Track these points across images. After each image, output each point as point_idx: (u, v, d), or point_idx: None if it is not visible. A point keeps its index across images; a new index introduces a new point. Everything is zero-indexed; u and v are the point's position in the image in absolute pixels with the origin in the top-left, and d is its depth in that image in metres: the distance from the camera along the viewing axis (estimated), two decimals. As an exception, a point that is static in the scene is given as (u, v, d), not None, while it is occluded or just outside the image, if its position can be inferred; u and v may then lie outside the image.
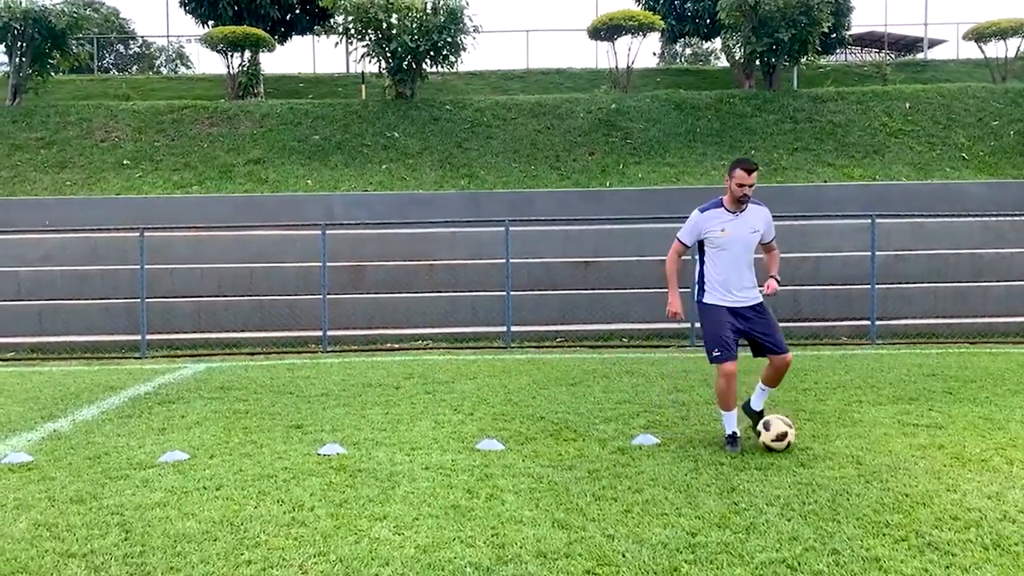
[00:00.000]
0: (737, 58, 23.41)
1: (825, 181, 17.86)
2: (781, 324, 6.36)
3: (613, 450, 6.14)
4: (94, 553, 4.26)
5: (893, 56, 31.82)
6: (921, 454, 5.98)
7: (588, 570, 3.98)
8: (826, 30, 21.71)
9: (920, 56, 31.33)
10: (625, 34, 22.24)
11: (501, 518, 4.69)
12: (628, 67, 22.63)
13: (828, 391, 8.55)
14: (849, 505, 4.87)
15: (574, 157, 18.93)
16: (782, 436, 6.07)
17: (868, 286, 13.33)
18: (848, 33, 27.12)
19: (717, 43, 30.66)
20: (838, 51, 29.23)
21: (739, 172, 6.11)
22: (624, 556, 4.13)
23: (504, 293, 13.23)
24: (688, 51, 43.28)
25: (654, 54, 27.33)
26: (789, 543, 4.29)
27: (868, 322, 13.17)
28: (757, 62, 21.92)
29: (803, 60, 22.84)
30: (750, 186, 6.14)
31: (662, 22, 22.62)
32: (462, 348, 12.82)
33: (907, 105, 20.54)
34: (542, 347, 12.85)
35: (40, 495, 5.28)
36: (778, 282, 6.41)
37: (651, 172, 18.31)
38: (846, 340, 13.12)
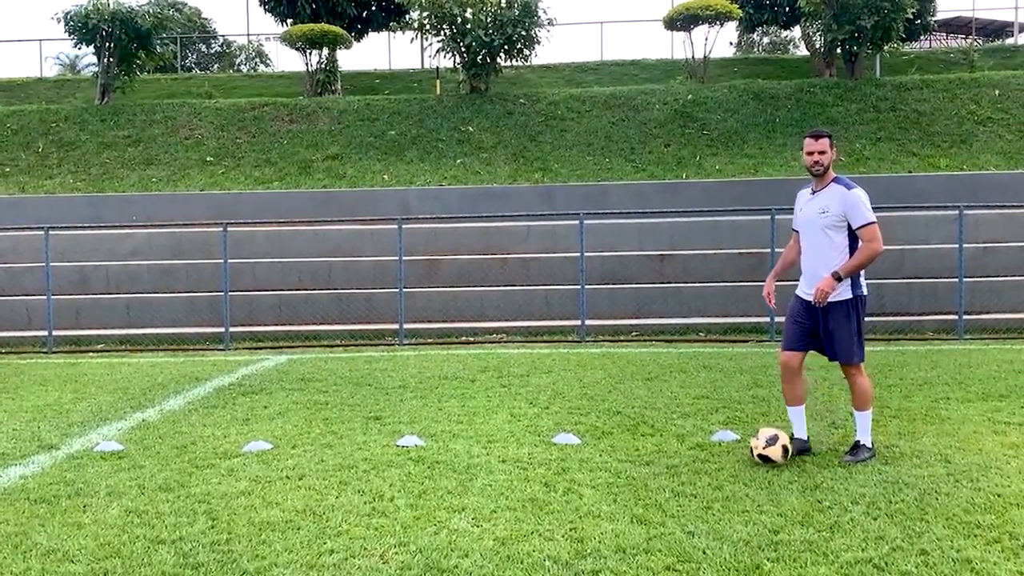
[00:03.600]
0: (817, 46, 22.89)
1: (910, 171, 17.34)
2: (865, 318, 5.84)
3: (692, 446, 6.07)
4: (182, 540, 4.38)
5: (981, 42, 30.71)
6: (1014, 453, 5.77)
7: (668, 566, 3.94)
8: (910, 16, 21.03)
9: (1010, 41, 30.18)
10: (702, 24, 21.91)
11: (579, 512, 4.68)
12: (705, 57, 22.31)
13: (914, 387, 8.32)
14: (938, 505, 4.72)
15: (649, 149, 18.76)
16: (774, 438, 5.53)
17: (955, 279, 12.92)
18: (933, 19, 26.25)
19: (796, 31, 30.07)
20: (923, 38, 28.33)
21: (806, 140, 5.69)
22: (704, 553, 4.08)
23: (578, 286, 13.19)
24: (766, 40, 42.42)
25: (731, 44, 26.96)
26: (875, 542, 4.18)
27: (955, 316, 12.77)
28: (838, 50, 21.38)
29: (886, 47, 22.18)
30: (820, 152, 5.61)
31: (740, 11, 22.22)
32: (536, 341, 12.83)
33: (996, 92, 19.80)
34: (617, 341, 12.78)
35: (130, 483, 5.45)
36: (837, 277, 5.50)
37: (728, 164, 18.03)
38: (932, 335, 12.73)
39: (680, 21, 22.13)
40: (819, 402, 7.60)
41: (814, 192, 5.80)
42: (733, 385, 8.58)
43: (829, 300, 5.57)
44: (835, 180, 5.73)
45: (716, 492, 5.00)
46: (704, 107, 20.01)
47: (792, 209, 6.17)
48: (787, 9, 25.51)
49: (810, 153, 5.67)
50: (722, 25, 22.19)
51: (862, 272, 5.66)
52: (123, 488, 5.33)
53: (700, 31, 22.38)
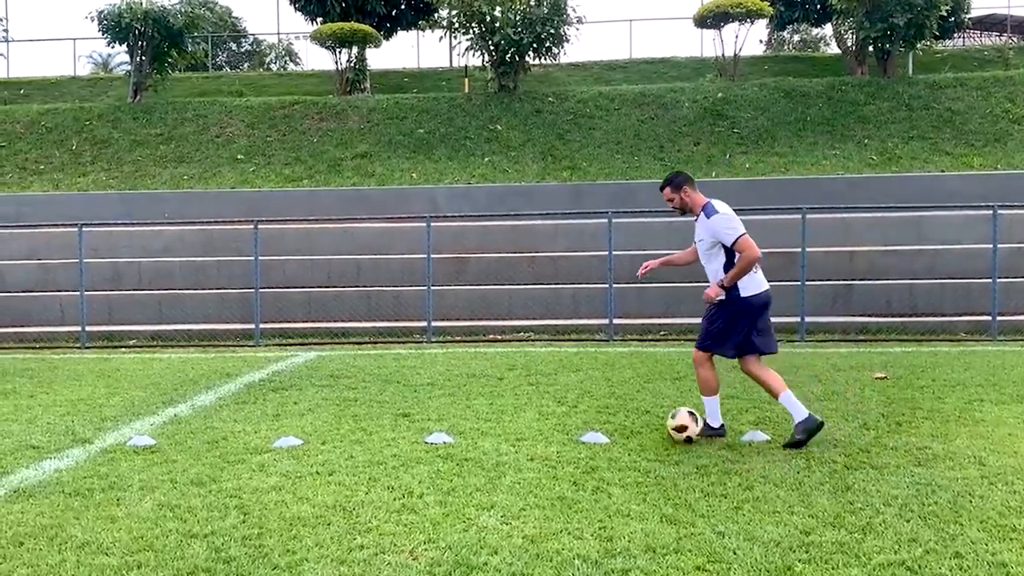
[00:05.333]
0: (849, 44, 22.68)
1: (943, 171, 17.14)
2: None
3: (721, 446, 6.04)
4: (214, 534, 4.42)
5: (1016, 39, 30.25)
6: (1050, 457, 5.68)
7: (698, 566, 3.92)
8: (944, 13, 20.77)
9: (1047, 38, 29.70)
10: (732, 21, 21.79)
11: (608, 511, 4.67)
12: (735, 55, 22.18)
13: (947, 389, 8.22)
14: (972, 507, 4.67)
15: (679, 147, 18.68)
16: (682, 428, 6.07)
17: (989, 280, 12.75)
18: (967, 16, 25.86)
19: (827, 29, 29.76)
20: (956, 35, 27.94)
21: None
22: (735, 553, 4.06)
23: (606, 285, 13.16)
24: (796, 38, 42.08)
25: (761, 41, 26.75)
26: (908, 545, 4.14)
27: (989, 317, 12.60)
28: (870, 48, 21.18)
29: (919, 45, 21.93)
30: (668, 200, 6.38)
31: (770, 8, 22.07)
32: (564, 340, 12.82)
33: (1033, 90, 19.52)
34: (645, 340, 12.74)
35: (163, 477, 5.51)
36: (723, 287, 6.06)
37: (759, 162, 17.91)
38: (965, 336, 12.58)
39: (710, 19, 22.01)
40: (849, 403, 7.54)
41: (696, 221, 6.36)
42: (763, 385, 8.51)
43: (715, 300, 6.17)
44: (703, 209, 6.24)
45: (746, 492, 4.97)
46: (734, 105, 19.90)
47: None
48: (818, 7, 25.29)
49: (668, 200, 6.40)
50: (753, 23, 22.05)
51: (752, 277, 6.13)
52: (156, 482, 5.39)
53: (730, 29, 22.29)
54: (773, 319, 13.59)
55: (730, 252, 6.07)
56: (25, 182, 18.81)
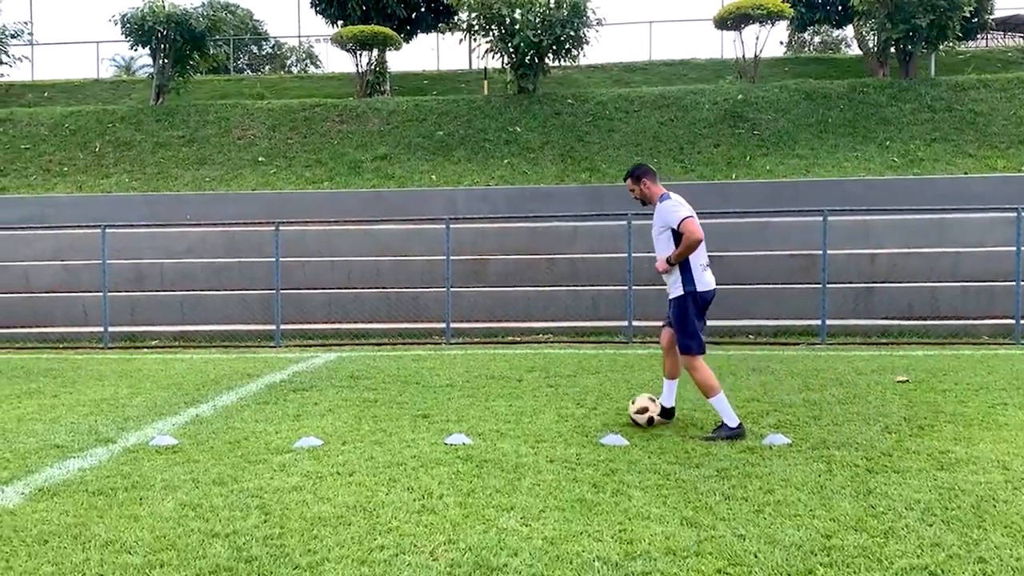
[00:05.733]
0: (871, 46, 22.54)
1: (966, 173, 17.00)
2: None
3: (742, 449, 6.01)
4: (236, 534, 4.45)
5: (1041, 40, 29.95)
6: (1076, 462, 5.62)
7: (719, 569, 3.91)
8: (967, 14, 20.59)
9: (1072, 39, 29.39)
10: (753, 23, 21.70)
11: (628, 514, 4.66)
12: (755, 57, 22.09)
13: (970, 392, 8.14)
14: (996, 512, 4.63)
15: (698, 149, 18.62)
16: (643, 410, 6.61)
17: (1012, 283, 12.63)
18: (991, 17, 25.65)
19: (848, 31, 29.62)
20: (979, 36, 27.70)
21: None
22: (756, 556, 4.04)
23: (626, 287, 13.14)
24: (817, 39, 41.85)
25: (781, 43, 26.59)
26: (931, 549, 4.11)
27: (1012, 321, 12.48)
28: (892, 49, 21.04)
29: (942, 46, 21.76)
30: (630, 190, 6.77)
31: (791, 10, 21.97)
32: (583, 342, 12.81)
33: (1058, 91, 19.33)
34: (665, 342, 12.68)
35: (185, 476, 5.55)
36: (668, 261, 6.50)
37: (779, 164, 17.83)
38: (988, 339, 12.46)
39: (731, 20, 21.93)
40: (871, 407, 7.49)
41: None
42: (784, 388, 8.49)
43: (669, 296, 6.60)
44: (659, 199, 6.62)
45: (767, 496, 4.95)
46: (754, 107, 19.82)
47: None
48: (839, 8, 25.16)
49: (631, 190, 6.77)
50: (773, 24, 21.95)
51: (696, 270, 6.46)
52: (178, 482, 5.43)
53: (751, 30, 22.18)
54: (794, 321, 13.66)
55: (679, 236, 6.44)
56: (49, 184, 19.00)
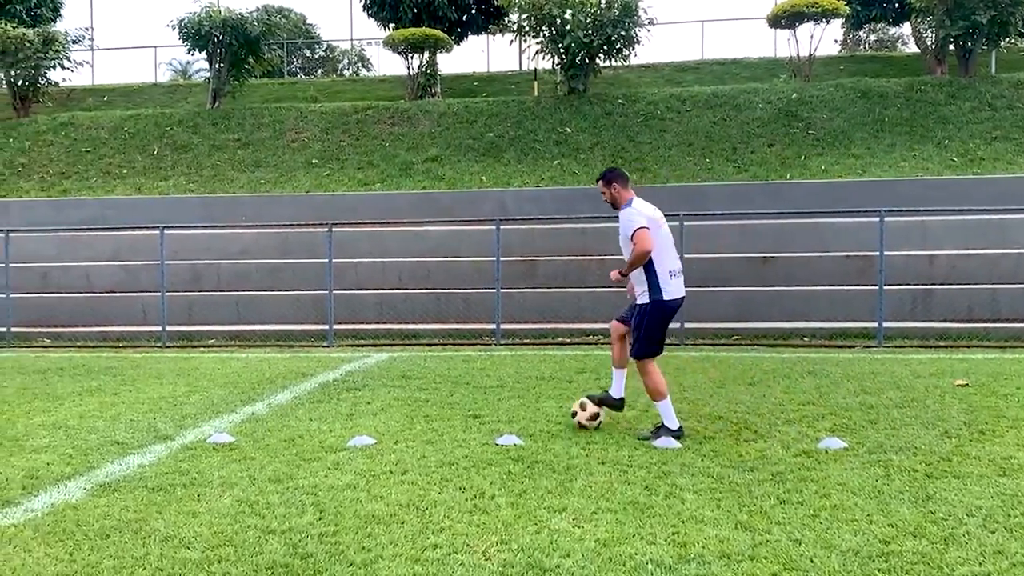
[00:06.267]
0: (929, 43, 22.06)
1: (1028, 172, 16.56)
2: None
3: (797, 453, 5.93)
4: (292, 531, 4.51)
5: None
6: None
7: (774, 574, 3.86)
8: (1031, 9, 20.07)
9: None
10: (807, 21, 21.39)
11: (681, 517, 4.63)
12: (810, 55, 21.77)
13: (1034, 398, 7.94)
14: (1062, 521, 4.50)
15: (752, 149, 18.42)
16: (595, 416, 6.67)
17: (1079, 285, 12.28)
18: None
19: (905, 28, 29.05)
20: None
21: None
22: (812, 561, 3.99)
23: (678, 289, 13.01)
24: (873, 37, 41.15)
25: (836, 41, 26.12)
26: (993, 557, 4.02)
27: (1078, 324, 12.13)
28: (951, 47, 20.58)
29: (1003, 43, 21.22)
30: (602, 193, 6.72)
31: (847, 8, 21.61)
32: (635, 344, 12.71)
33: (1126, 87, 18.75)
34: (717, 345, 12.58)
35: (242, 474, 5.64)
36: (621, 274, 6.59)
37: (834, 164, 17.55)
38: (1052, 343, 12.13)
39: (785, 19, 21.64)
40: (930, 411, 7.34)
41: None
42: (840, 392, 8.35)
43: (635, 302, 6.55)
44: (623, 206, 6.56)
45: (823, 500, 4.88)
46: (809, 106, 19.54)
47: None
48: (896, 5, 24.70)
49: (601, 193, 6.73)
50: (828, 22, 21.61)
51: (663, 279, 6.42)
52: (235, 479, 5.52)
53: (805, 28, 21.84)
54: (850, 324, 13.44)
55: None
56: (109, 186, 19.43)
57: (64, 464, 6.00)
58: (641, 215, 6.39)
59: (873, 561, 3.99)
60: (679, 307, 6.62)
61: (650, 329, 6.49)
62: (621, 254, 6.70)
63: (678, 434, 6.36)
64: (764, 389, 8.55)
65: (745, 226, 14.98)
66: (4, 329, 14.34)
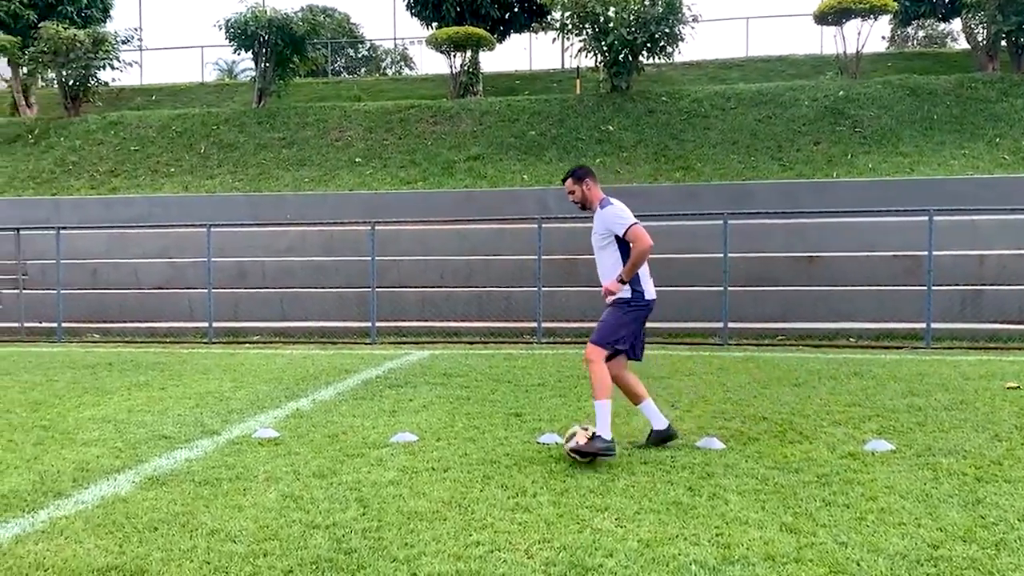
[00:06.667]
0: (980, 39, 21.65)
1: (1084, 170, 16.18)
2: None
3: (843, 455, 5.85)
4: (336, 526, 4.55)
5: None
6: None
7: (820, 577, 3.82)
8: (1087, 4, 19.60)
9: None
10: (854, 17, 21.11)
11: (725, 518, 4.59)
12: (857, 52, 21.48)
13: (1089, 401, 7.74)
14: (1120, 528, 4.39)
15: (797, 147, 18.21)
16: (572, 437, 5.76)
17: None
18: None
19: (956, 24, 28.53)
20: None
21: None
22: (859, 565, 3.93)
23: (721, 288, 12.93)
24: (922, 34, 40.44)
25: (884, 37, 25.67)
26: (1048, 564, 3.93)
27: None
28: (1003, 43, 20.16)
29: (1058, 38, 20.74)
30: (569, 192, 6.31)
31: (895, 3, 21.28)
32: (676, 343, 12.66)
33: None
34: (761, 345, 12.46)
35: (286, 468, 5.69)
36: (620, 280, 6.09)
37: (882, 162, 17.29)
38: (1108, 346, 11.83)
39: (832, 15, 21.37)
40: (980, 413, 7.20)
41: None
42: (887, 393, 8.23)
43: (610, 300, 6.21)
44: (599, 204, 6.24)
45: (870, 503, 4.80)
46: (856, 103, 19.27)
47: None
48: (946, 1, 24.24)
49: (570, 192, 6.32)
50: (876, 19, 21.32)
51: (644, 280, 6.21)
52: (280, 473, 5.58)
53: (852, 25, 21.58)
54: (898, 324, 13.23)
55: (624, 245, 6.11)
56: (157, 184, 19.76)
57: (113, 457, 6.11)
58: (628, 212, 6.16)
59: (921, 565, 3.92)
60: (652, 309, 6.36)
61: (623, 321, 6.17)
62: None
63: (610, 448, 5.65)
64: (809, 390, 8.45)
65: (791, 225, 14.81)
66: (55, 324, 14.64)
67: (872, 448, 5.98)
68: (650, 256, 6.28)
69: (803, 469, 5.50)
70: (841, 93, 19.69)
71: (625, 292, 6.18)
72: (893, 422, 6.90)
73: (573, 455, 5.68)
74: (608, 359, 6.16)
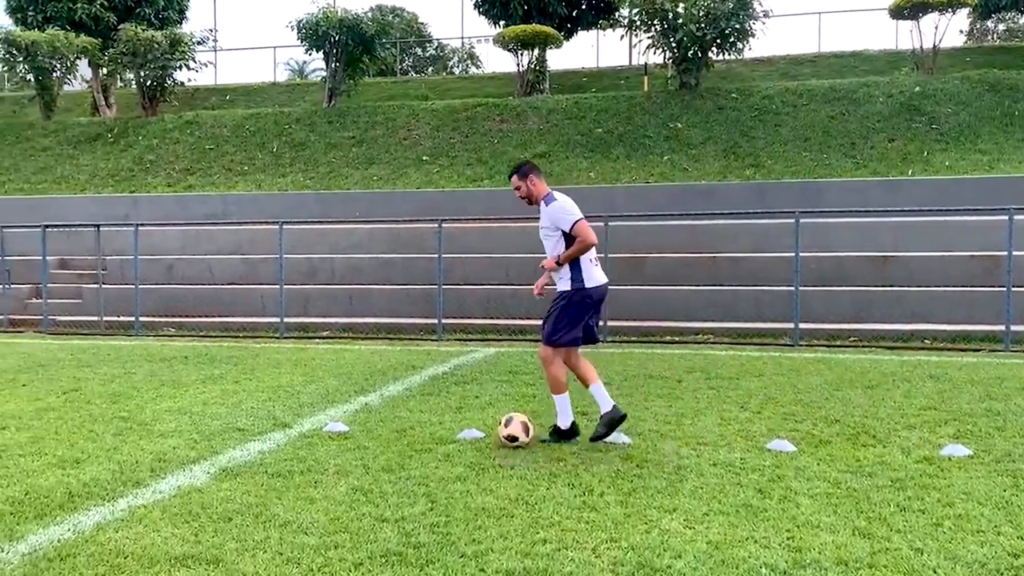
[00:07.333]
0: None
1: None
2: None
3: (918, 459, 5.72)
4: (404, 520, 4.60)
5: None
6: None
7: (895, 584, 3.74)
8: None
9: None
10: (932, 11, 20.56)
11: (796, 521, 4.52)
12: (934, 47, 20.91)
13: None
14: None
15: (871, 144, 17.81)
16: (512, 438, 6.09)
17: None
18: None
19: (1040, 16, 27.57)
20: None
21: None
22: (935, 572, 3.83)
23: (791, 288, 12.72)
24: (1002, 27, 39.18)
25: (962, 32, 24.89)
26: None
27: None
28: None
29: None
30: (516, 189, 6.50)
31: (975, -4, 20.68)
32: (745, 344, 12.49)
33: None
34: (833, 346, 12.23)
35: (356, 462, 5.78)
36: (557, 260, 6.34)
37: (960, 160, 16.81)
38: None
39: (907, 9, 20.85)
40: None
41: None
42: (964, 397, 8.00)
43: (557, 289, 6.43)
44: (544, 198, 6.45)
45: (947, 509, 4.69)
46: (933, 99, 18.77)
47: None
48: (1030, -8, 23.46)
49: (516, 188, 6.51)
50: (954, 12, 20.72)
51: (586, 267, 6.34)
52: (349, 467, 5.66)
53: (929, 19, 21.02)
54: (975, 326, 12.87)
55: (570, 238, 6.30)
56: (231, 182, 20.19)
57: (189, 449, 6.27)
58: (573, 206, 6.38)
59: (1001, 574, 3.81)
60: (604, 294, 6.53)
61: (572, 317, 6.35)
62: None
63: (570, 433, 6.33)
64: (883, 392, 8.26)
65: (864, 224, 14.50)
66: (133, 318, 15.08)
67: (949, 453, 5.83)
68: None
69: (876, 473, 5.39)
70: (917, 89, 19.20)
71: (565, 283, 6.37)
72: (970, 426, 6.71)
73: (509, 441, 6.10)
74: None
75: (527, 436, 6.13)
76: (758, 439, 6.34)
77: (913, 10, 20.74)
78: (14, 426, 7.08)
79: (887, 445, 6.12)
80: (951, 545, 4.16)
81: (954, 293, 13.02)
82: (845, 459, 5.75)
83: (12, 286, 16.55)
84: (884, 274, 13.68)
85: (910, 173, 16.55)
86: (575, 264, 6.34)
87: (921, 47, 21.19)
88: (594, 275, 6.40)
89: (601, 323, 13.68)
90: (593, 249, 6.40)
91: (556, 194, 6.49)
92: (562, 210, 6.34)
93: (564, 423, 6.39)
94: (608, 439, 6.25)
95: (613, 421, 6.28)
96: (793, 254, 12.73)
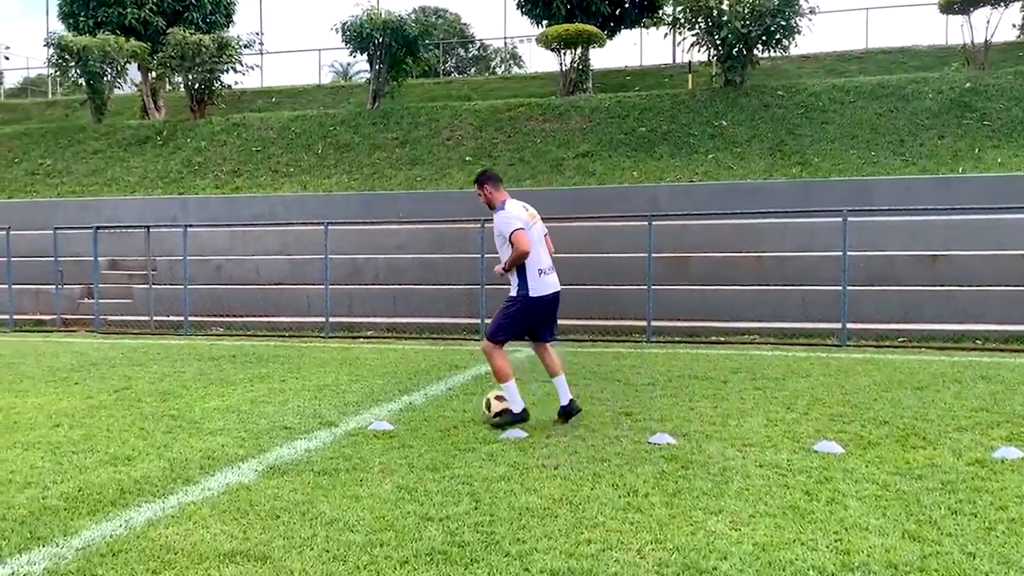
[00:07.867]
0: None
1: None
2: None
3: (970, 461, 5.61)
4: (449, 519, 4.63)
5: None
6: None
7: (946, 589, 3.67)
8: None
9: None
10: (983, 6, 20.14)
11: (844, 524, 4.46)
12: (986, 42, 20.48)
13: None
14: None
15: (921, 141, 17.50)
16: (499, 413, 6.79)
17: None
18: None
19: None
20: None
21: None
22: (988, 578, 3.77)
23: (839, 288, 12.54)
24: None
25: (1014, 26, 24.32)
26: None
27: None
28: None
29: None
30: (478, 195, 7.10)
31: (1028, -11, 20.22)
32: (792, 344, 12.35)
33: None
34: (881, 347, 12.04)
35: (401, 461, 5.82)
36: (503, 268, 6.87)
37: (1012, 157, 16.45)
38: None
39: (958, 4, 20.45)
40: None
41: None
42: (1017, 399, 7.84)
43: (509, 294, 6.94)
44: (498, 207, 6.92)
45: (999, 513, 4.60)
46: (984, 95, 18.39)
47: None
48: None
49: (478, 195, 7.11)
50: (1007, 6, 20.29)
51: (531, 276, 6.83)
52: (394, 465, 5.71)
53: (981, 14, 20.59)
54: (1018, 327, 12.56)
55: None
56: (277, 183, 20.44)
57: (237, 446, 6.36)
58: (515, 218, 6.76)
59: (1058, 581, 3.73)
60: (552, 301, 7.03)
61: (514, 320, 6.89)
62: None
63: (522, 417, 6.75)
64: (933, 394, 8.12)
65: (913, 223, 14.25)
66: (182, 318, 15.32)
67: (1001, 455, 5.72)
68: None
69: (927, 476, 5.31)
70: (968, 85, 18.82)
71: (512, 289, 6.93)
72: (1023, 428, 6.58)
73: (494, 424, 6.73)
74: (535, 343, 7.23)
75: (501, 403, 6.79)
76: (805, 440, 6.27)
77: (964, 4, 20.35)
78: (67, 423, 7.24)
79: (938, 447, 6.02)
80: (1004, 549, 4.08)
81: (1006, 292, 12.76)
82: (894, 461, 5.67)
83: (65, 286, 16.92)
84: (934, 274, 13.44)
85: (960, 170, 16.23)
86: (520, 272, 6.82)
87: (972, 42, 20.78)
88: (540, 284, 6.86)
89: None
90: (546, 258, 6.95)
91: (509, 202, 6.92)
92: (507, 218, 6.78)
93: (516, 407, 6.81)
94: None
95: (568, 414, 6.92)
96: (841, 253, 12.56)
